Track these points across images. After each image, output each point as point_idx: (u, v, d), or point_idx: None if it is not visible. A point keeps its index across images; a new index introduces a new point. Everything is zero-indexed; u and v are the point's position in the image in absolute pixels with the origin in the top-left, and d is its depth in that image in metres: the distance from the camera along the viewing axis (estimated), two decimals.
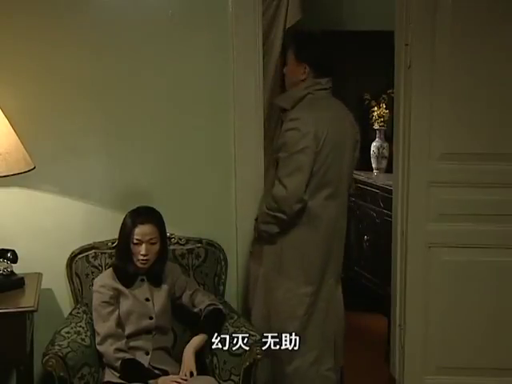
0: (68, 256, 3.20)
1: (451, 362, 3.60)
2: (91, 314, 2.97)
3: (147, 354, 2.90)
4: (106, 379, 2.84)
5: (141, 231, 2.90)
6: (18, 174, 2.89)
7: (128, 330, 2.91)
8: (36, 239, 3.23)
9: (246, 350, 2.82)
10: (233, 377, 2.86)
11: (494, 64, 3.42)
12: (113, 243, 3.18)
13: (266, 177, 3.44)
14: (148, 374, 2.83)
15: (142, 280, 2.98)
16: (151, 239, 2.92)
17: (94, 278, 3.06)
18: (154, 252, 2.94)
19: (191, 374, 2.81)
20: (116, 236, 3.03)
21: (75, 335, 2.87)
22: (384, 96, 5.30)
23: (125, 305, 2.92)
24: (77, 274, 3.19)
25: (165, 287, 3.01)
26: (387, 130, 5.16)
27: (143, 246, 2.90)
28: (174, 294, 3.05)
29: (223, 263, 3.35)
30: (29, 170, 2.94)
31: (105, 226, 3.25)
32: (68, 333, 2.87)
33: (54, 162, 3.23)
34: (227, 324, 3.01)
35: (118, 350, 2.83)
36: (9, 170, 2.84)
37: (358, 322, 4.40)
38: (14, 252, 3.01)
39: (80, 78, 3.23)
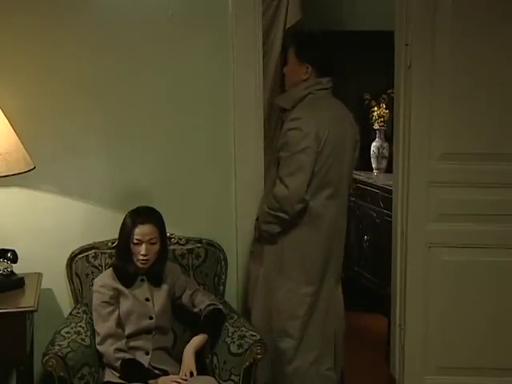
0: (68, 256, 3.20)
1: (451, 362, 3.60)
2: (91, 313, 2.97)
3: (147, 354, 2.90)
4: (106, 379, 2.84)
5: (141, 231, 2.90)
6: (18, 173, 2.89)
7: (128, 329, 2.91)
8: (36, 239, 3.23)
9: (246, 350, 2.83)
10: (233, 377, 2.86)
11: (494, 64, 3.42)
12: (113, 243, 3.18)
13: (266, 177, 3.44)
14: (148, 373, 2.83)
15: (142, 280, 2.98)
16: (151, 239, 2.92)
17: (94, 278, 3.06)
18: (154, 252, 2.94)
19: (191, 374, 2.81)
20: (116, 236, 3.03)
21: (75, 335, 2.87)
22: (384, 96, 5.31)
23: (125, 305, 2.92)
24: (77, 274, 3.19)
25: (165, 287, 3.01)
26: (387, 130, 5.16)
27: (143, 245, 2.90)
28: (174, 294, 3.05)
29: (223, 263, 3.35)
30: (29, 170, 2.94)
31: (105, 226, 3.25)
32: (68, 333, 2.87)
33: (53, 162, 3.23)
34: (227, 324, 3.01)
35: (118, 349, 2.83)
36: (9, 170, 2.84)
37: (357, 322, 4.40)
38: (14, 252, 3.01)
39: (80, 77, 3.23)
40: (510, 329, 3.57)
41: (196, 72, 3.33)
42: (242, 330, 2.94)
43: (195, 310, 3.03)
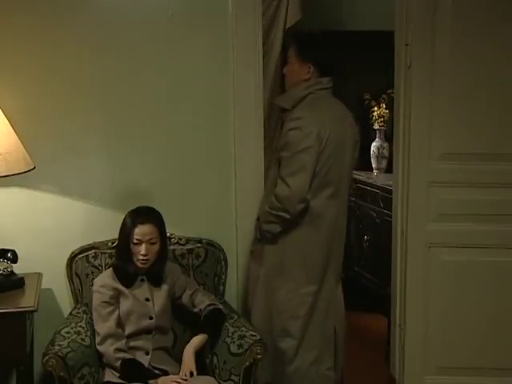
0: (68, 256, 3.20)
1: (451, 362, 3.60)
2: (91, 313, 2.97)
3: (147, 354, 2.90)
4: (106, 379, 2.84)
5: (141, 231, 2.90)
6: (18, 173, 2.89)
7: (128, 329, 2.91)
8: (36, 239, 3.23)
9: (246, 350, 2.83)
10: (233, 377, 2.86)
11: (494, 64, 3.42)
12: (113, 243, 3.18)
13: (266, 176, 3.44)
14: (148, 374, 2.83)
15: (142, 280, 2.98)
16: (151, 239, 2.92)
17: (94, 278, 3.06)
18: (154, 252, 2.94)
19: (191, 374, 2.81)
20: (116, 236, 3.03)
21: (75, 335, 2.87)
22: (384, 96, 5.31)
23: (125, 305, 2.92)
24: (77, 274, 3.19)
25: (165, 287, 3.01)
26: (387, 130, 5.16)
27: (143, 245, 2.90)
28: (174, 294, 3.05)
29: (223, 263, 3.35)
30: (29, 170, 2.94)
31: (105, 226, 3.25)
32: (68, 333, 2.87)
33: (54, 162, 3.23)
34: (227, 324, 3.01)
35: (118, 349, 2.83)
36: (9, 170, 2.84)
37: (358, 322, 4.40)
38: (14, 252, 3.01)
39: (80, 77, 3.23)
40: (510, 329, 3.57)
41: (196, 72, 3.33)
42: (242, 330, 2.94)
43: (195, 310, 3.03)
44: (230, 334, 2.94)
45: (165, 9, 3.28)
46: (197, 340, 2.91)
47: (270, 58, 3.92)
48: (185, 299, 3.05)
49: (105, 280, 2.96)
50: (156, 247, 2.94)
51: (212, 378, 2.87)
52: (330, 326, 3.27)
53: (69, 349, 2.74)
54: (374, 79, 5.30)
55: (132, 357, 2.85)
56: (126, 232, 2.94)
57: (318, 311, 3.22)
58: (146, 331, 2.93)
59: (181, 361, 2.89)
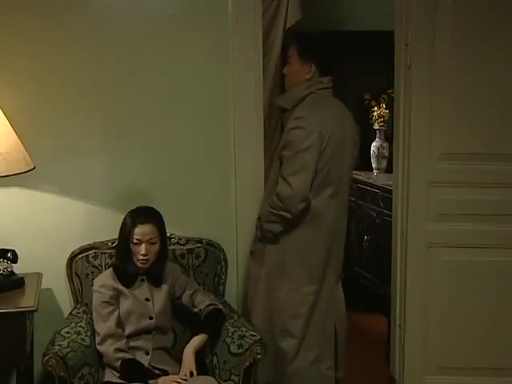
0: (68, 256, 3.20)
1: (451, 362, 3.60)
2: (91, 313, 2.97)
3: (147, 354, 2.90)
4: (106, 379, 2.84)
5: (141, 231, 2.90)
6: (18, 173, 2.89)
7: (128, 329, 2.91)
8: (36, 239, 3.23)
9: (246, 350, 2.83)
10: (233, 377, 2.86)
11: (494, 64, 3.42)
12: (113, 243, 3.18)
13: (266, 176, 3.44)
14: (148, 374, 2.83)
15: (142, 280, 2.98)
16: (151, 239, 2.92)
17: (94, 278, 3.06)
18: (154, 252, 2.94)
19: (191, 374, 2.81)
20: (116, 236, 3.03)
21: (75, 335, 2.87)
22: (384, 96, 5.31)
23: (125, 305, 2.92)
24: (77, 274, 3.19)
25: (165, 287, 3.01)
26: (387, 130, 5.16)
27: (143, 245, 2.90)
28: (174, 294, 3.05)
29: (223, 263, 3.35)
30: (29, 170, 2.94)
31: (105, 226, 3.25)
32: (68, 333, 2.87)
33: (54, 162, 3.23)
34: (227, 324, 3.01)
35: (118, 349, 2.83)
36: (9, 170, 2.84)
37: (358, 322, 4.40)
38: (14, 252, 3.01)
39: (80, 77, 3.23)
40: (510, 329, 3.57)
41: (196, 72, 3.33)
42: (242, 330, 2.94)
43: (195, 310, 3.03)
44: (230, 334, 2.94)
45: (165, 9, 3.28)
46: (197, 340, 2.91)
47: (270, 58, 3.92)
48: (185, 299, 3.05)
49: (105, 280, 2.96)
50: (156, 247, 2.94)
51: (212, 378, 2.87)
52: (331, 325, 3.27)
53: (69, 349, 2.74)
54: (374, 79, 5.30)
55: (132, 357, 2.85)
56: (125, 232, 2.94)
57: (319, 310, 3.22)
58: (146, 331, 2.93)
59: (181, 361, 2.88)
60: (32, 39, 3.17)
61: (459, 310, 3.56)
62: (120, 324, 2.90)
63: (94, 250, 3.21)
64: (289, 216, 3.09)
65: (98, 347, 2.86)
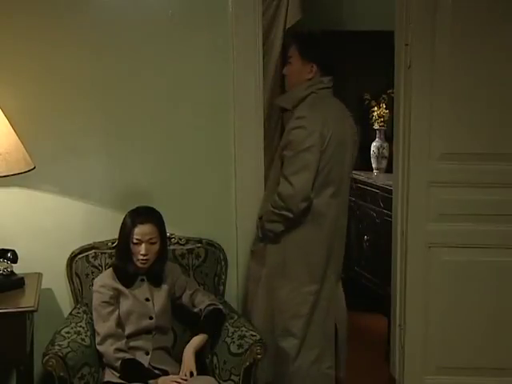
0: (68, 256, 3.20)
1: (451, 362, 3.60)
2: (91, 313, 2.97)
3: (147, 353, 2.90)
4: (106, 379, 2.84)
5: (140, 231, 2.90)
6: (18, 173, 2.89)
7: (128, 329, 2.91)
8: (36, 239, 3.23)
9: (246, 350, 2.83)
10: (233, 377, 2.86)
11: (494, 64, 3.42)
12: (113, 243, 3.18)
13: (266, 176, 3.44)
14: (148, 374, 2.83)
15: (142, 280, 2.98)
16: (151, 239, 2.92)
17: (93, 278, 3.06)
18: (154, 252, 2.94)
19: (191, 374, 2.81)
20: (116, 236, 3.03)
21: (75, 335, 2.87)
22: (384, 96, 5.31)
23: (125, 305, 2.92)
24: (77, 274, 3.19)
25: (165, 287, 3.01)
26: (387, 130, 5.16)
27: (143, 245, 2.90)
28: (174, 294, 3.05)
29: (223, 263, 3.35)
30: (29, 170, 2.94)
31: (105, 226, 3.25)
32: (68, 333, 2.87)
33: (54, 162, 3.23)
34: (227, 324, 3.01)
35: (118, 349, 2.83)
36: (9, 170, 2.84)
37: (358, 322, 4.40)
38: (14, 252, 3.01)
39: (80, 77, 3.23)
40: (510, 329, 3.57)
41: (196, 72, 3.33)
42: (242, 330, 2.94)
43: (195, 310, 3.03)
44: (230, 334, 2.94)
45: (165, 9, 3.28)
46: (197, 340, 2.91)
47: (270, 58, 3.92)
48: (185, 299, 3.05)
49: (105, 280, 2.96)
50: (156, 247, 2.94)
51: (212, 378, 2.87)
52: (331, 324, 3.28)
53: (69, 349, 2.74)
54: (374, 79, 5.30)
55: (132, 357, 2.85)
56: (125, 232, 2.94)
57: (320, 310, 3.22)
58: (146, 331, 2.93)
59: (181, 361, 2.88)
60: (32, 39, 3.17)
61: (459, 310, 3.56)
62: (120, 324, 2.90)
63: (93, 250, 3.21)
64: (290, 215, 3.09)
65: (98, 347, 2.86)
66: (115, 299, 2.92)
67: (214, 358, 2.96)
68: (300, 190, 3.05)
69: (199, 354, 2.92)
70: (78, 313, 3.08)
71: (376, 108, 5.39)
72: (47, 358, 2.67)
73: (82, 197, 3.29)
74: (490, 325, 3.56)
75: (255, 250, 3.31)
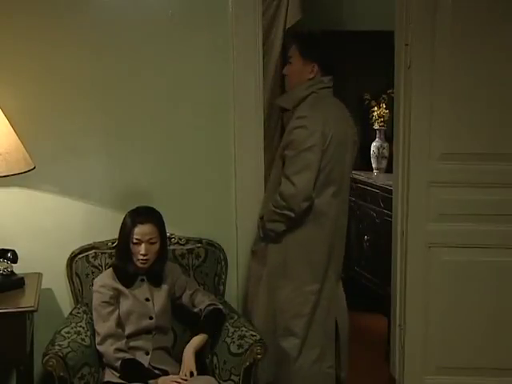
0: (68, 256, 3.20)
1: (451, 362, 3.60)
2: (91, 313, 2.97)
3: (147, 353, 2.90)
4: (106, 379, 2.84)
5: (140, 231, 2.90)
6: (18, 174, 2.89)
7: (128, 329, 2.91)
8: (36, 239, 3.23)
9: (246, 350, 2.83)
10: (233, 377, 2.86)
11: (494, 64, 3.42)
12: (113, 243, 3.18)
13: (267, 176, 3.44)
14: (148, 374, 2.83)
15: (142, 280, 2.98)
16: (151, 239, 2.92)
17: (94, 278, 3.06)
18: (154, 252, 2.94)
19: (191, 374, 2.81)
20: (116, 236, 3.03)
21: (75, 335, 2.87)
22: (384, 96, 5.31)
23: (125, 305, 2.92)
24: (77, 274, 3.19)
25: (165, 287, 3.01)
26: (387, 130, 5.16)
27: (143, 245, 2.90)
28: (174, 294, 3.05)
29: (223, 263, 3.35)
30: (29, 170, 2.94)
31: (105, 226, 3.25)
32: (68, 333, 2.87)
33: (54, 162, 3.23)
34: (227, 324, 3.01)
35: (118, 349, 2.83)
36: (9, 170, 2.84)
37: (358, 322, 4.39)
38: (14, 252, 3.01)
39: (80, 77, 3.23)
40: (510, 329, 3.57)
41: (196, 72, 3.33)
42: (242, 330, 2.94)
43: (195, 309, 3.03)
44: (230, 334, 2.94)
45: (165, 9, 3.28)
46: (197, 340, 2.91)
47: (270, 58, 3.93)
48: (185, 299, 3.05)
49: (105, 280, 2.96)
50: (156, 247, 2.94)
51: (212, 378, 2.87)
52: (332, 324, 3.28)
53: (69, 349, 2.74)
54: (374, 79, 5.30)
55: (132, 357, 2.85)
56: (125, 232, 2.94)
57: (321, 309, 3.22)
58: (146, 331, 2.93)
59: (181, 361, 2.89)
60: (32, 39, 3.17)
61: (459, 310, 3.56)
62: (120, 324, 2.90)
63: (94, 250, 3.21)
64: (292, 215, 3.09)
65: (98, 347, 2.86)
66: (115, 299, 2.92)
67: (214, 358, 2.96)
68: (302, 190, 3.05)
69: (199, 354, 2.92)
70: (78, 313, 3.08)
71: (376, 108, 5.39)
72: (47, 357, 2.67)
73: (82, 197, 3.29)
74: (490, 325, 3.56)
75: (256, 249, 3.31)
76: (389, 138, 4.81)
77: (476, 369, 3.58)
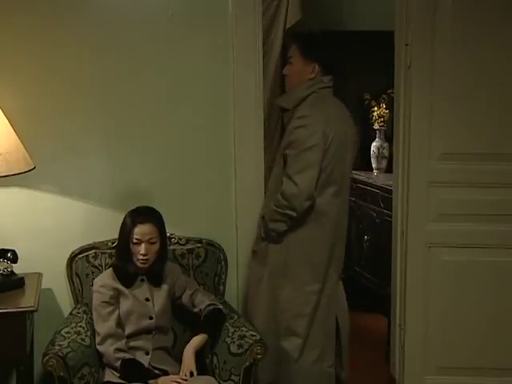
0: (68, 256, 3.20)
1: (451, 362, 3.60)
2: (91, 313, 2.97)
3: (147, 353, 2.90)
4: (106, 379, 2.84)
5: (140, 231, 2.90)
6: (18, 174, 2.89)
7: (128, 329, 2.91)
8: (36, 239, 3.23)
9: (246, 350, 2.83)
10: (233, 377, 2.86)
11: (494, 64, 3.42)
12: (113, 243, 3.18)
13: (267, 176, 3.44)
14: (148, 374, 2.83)
15: (142, 280, 2.98)
16: (151, 239, 2.92)
17: (94, 278, 3.06)
18: (154, 251, 2.94)
19: (191, 374, 2.81)
20: (116, 236, 3.03)
21: (75, 335, 2.87)
22: (384, 96, 5.31)
23: (125, 305, 2.92)
24: (77, 274, 3.19)
25: (165, 287, 3.01)
26: (387, 130, 5.16)
27: (143, 245, 2.90)
28: (174, 294, 3.05)
29: (223, 263, 3.35)
30: (29, 170, 2.94)
31: (105, 226, 3.25)
32: (68, 333, 2.87)
33: (54, 162, 3.23)
34: (227, 324, 3.01)
35: (118, 349, 2.83)
36: (9, 170, 2.84)
37: (358, 322, 4.39)
38: (14, 252, 3.01)
39: (80, 77, 3.23)
40: (510, 329, 3.57)
41: (196, 72, 3.33)
42: (242, 330, 2.94)
43: (195, 309, 3.03)
44: (230, 334, 2.94)
45: (165, 9, 3.28)
46: (197, 340, 2.91)
47: (270, 58, 3.93)
48: (185, 299, 3.05)
49: (105, 280, 2.96)
50: (156, 247, 2.94)
51: (212, 378, 2.87)
52: (332, 323, 3.28)
53: (69, 349, 2.74)
54: (374, 79, 5.30)
55: (132, 357, 2.85)
56: (125, 232, 2.94)
57: (321, 309, 3.23)
58: (146, 331, 2.93)
59: (181, 361, 2.89)
60: (32, 39, 3.17)
61: (459, 310, 3.56)
62: (120, 324, 2.90)
63: (94, 250, 3.21)
64: (294, 214, 3.08)
65: (98, 347, 2.86)
66: (115, 299, 2.92)
67: (214, 358, 2.96)
68: (304, 189, 3.05)
69: (199, 354, 2.92)
70: (78, 313, 3.08)
71: (376, 108, 5.39)
72: (47, 357, 2.67)
73: (82, 197, 3.29)
74: (490, 325, 3.56)
75: (257, 249, 3.31)
76: (389, 138, 4.81)
77: (476, 369, 3.58)
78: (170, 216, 3.09)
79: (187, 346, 2.90)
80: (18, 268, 3.02)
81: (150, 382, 2.79)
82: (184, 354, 2.88)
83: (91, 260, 3.18)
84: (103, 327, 2.87)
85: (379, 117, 5.35)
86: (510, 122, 3.46)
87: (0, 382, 3.25)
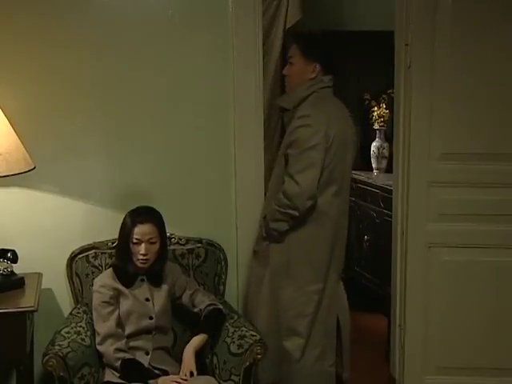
0: (68, 256, 3.20)
1: (451, 362, 3.60)
2: (91, 313, 2.97)
3: (147, 353, 2.90)
4: (106, 379, 2.84)
5: (140, 231, 2.90)
6: (18, 174, 2.89)
7: (128, 329, 2.91)
8: (36, 239, 3.23)
9: (246, 350, 2.83)
10: (233, 377, 2.86)
11: (494, 64, 3.42)
12: (113, 243, 3.18)
13: (267, 176, 3.44)
14: (148, 374, 2.83)
15: (142, 280, 2.98)
16: (151, 239, 2.92)
17: (94, 278, 3.06)
18: (154, 251, 2.94)
19: (191, 374, 2.81)
20: (116, 236, 3.03)
21: (75, 335, 2.87)
22: (384, 96, 5.31)
23: (125, 305, 2.92)
24: (77, 274, 3.19)
25: (165, 287, 3.01)
26: (387, 130, 5.16)
27: (143, 245, 2.90)
28: (174, 294, 3.05)
29: (223, 263, 3.35)
30: (29, 170, 2.94)
31: (105, 226, 3.25)
32: (68, 333, 2.87)
33: (54, 162, 3.23)
34: (227, 324, 3.01)
35: (118, 349, 2.83)
36: (9, 170, 2.84)
37: (358, 322, 4.39)
38: (14, 252, 3.01)
39: (80, 77, 3.23)
40: (510, 329, 3.57)
41: (196, 72, 3.33)
42: (242, 330, 2.94)
43: (195, 309, 3.03)
44: (230, 334, 2.95)
45: (165, 9, 3.28)
46: (197, 340, 2.91)
47: (270, 58, 3.93)
48: (185, 299, 3.05)
49: (105, 280, 2.96)
50: (156, 247, 2.94)
51: (212, 378, 2.87)
52: (333, 322, 3.28)
53: (69, 349, 2.74)
54: (374, 79, 5.30)
55: (132, 357, 2.85)
56: (125, 232, 2.94)
57: (323, 309, 3.23)
58: (146, 331, 2.93)
59: (181, 361, 2.89)
60: (32, 39, 3.17)
61: (459, 310, 3.56)
62: (120, 324, 2.90)
63: (94, 250, 3.21)
64: (296, 214, 3.08)
65: (98, 347, 2.86)
66: (115, 299, 2.92)
67: (214, 358, 2.96)
68: (306, 188, 3.05)
69: (199, 354, 2.92)
70: (78, 313, 3.08)
71: (376, 108, 5.39)
72: (47, 357, 2.67)
73: (82, 197, 3.29)
74: (490, 325, 3.56)
75: (258, 249, 3.31)
76: (389, 138, 4.81)
77: (476, 369, 3.58)
78: (170, 216, 3.09)
79: (187, 346, 2.90)
80: (17, 268, 3.02)
81: (150, 382, 2.79)
82: (184, 354, 2.88)
83: (91, 260, 3.18)
84: (103, 327, 2.87)
85: (379, 117, 5.35)
86: (509, 121, 3.46)
87: (0, 382, 3.25)
